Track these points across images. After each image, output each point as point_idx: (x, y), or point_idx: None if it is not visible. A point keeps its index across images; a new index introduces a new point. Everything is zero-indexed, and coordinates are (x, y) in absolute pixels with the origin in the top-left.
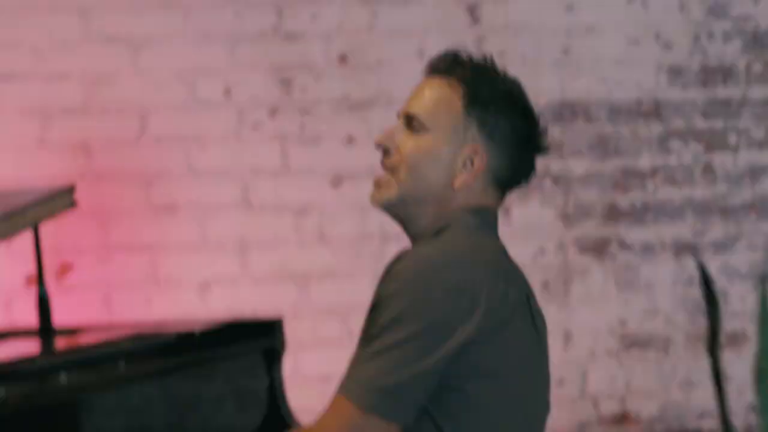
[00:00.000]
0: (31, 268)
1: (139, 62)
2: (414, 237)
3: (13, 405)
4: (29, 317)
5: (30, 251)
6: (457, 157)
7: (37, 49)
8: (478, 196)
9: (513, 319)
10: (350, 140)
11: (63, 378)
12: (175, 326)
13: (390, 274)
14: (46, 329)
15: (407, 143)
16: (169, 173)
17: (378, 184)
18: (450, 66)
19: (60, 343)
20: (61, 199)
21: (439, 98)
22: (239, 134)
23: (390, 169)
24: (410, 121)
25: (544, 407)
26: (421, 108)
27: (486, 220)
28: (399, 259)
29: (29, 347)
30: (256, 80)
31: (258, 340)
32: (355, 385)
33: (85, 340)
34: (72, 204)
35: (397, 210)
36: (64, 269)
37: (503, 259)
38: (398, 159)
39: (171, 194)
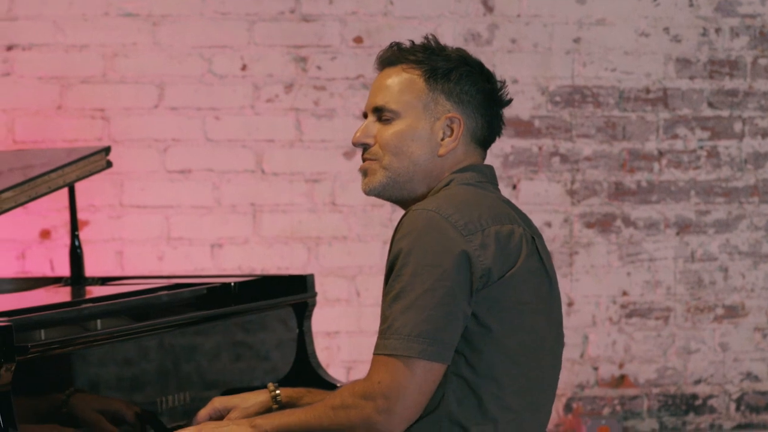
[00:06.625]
0: (44, 223)
1: (157, 37)
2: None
3: (49, 350)
4: (41, 268)
5: (45, 208)
6: (435, 129)
7: (57, 22)
8: (464, 157)
9: (522, 255)
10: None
11: (98, 324)
12: (211, 279)
13: (401, 229)
14: (79, 278)
15: (384, 134)
16: (184, 140)
17: (365, 173)
18: (398, 55)
19: (98, 291)
20: (97, 160)
21: (400, 83)
22: (255, 107)
23: (372, 159)
24: (380, 114)
25: (559, 340)
26: (386, 98)
27: (481, 174)
28: (407, 215)
29: (64, 295)
30: (272, 58)
31: (290, 294)
32: (394, 341)
33: (121, 289)
34: (107, 164)
35: (390, 192)
36: (80, 225)
37: (505, 204)
38: (378, 149)
39: (186, 160)
